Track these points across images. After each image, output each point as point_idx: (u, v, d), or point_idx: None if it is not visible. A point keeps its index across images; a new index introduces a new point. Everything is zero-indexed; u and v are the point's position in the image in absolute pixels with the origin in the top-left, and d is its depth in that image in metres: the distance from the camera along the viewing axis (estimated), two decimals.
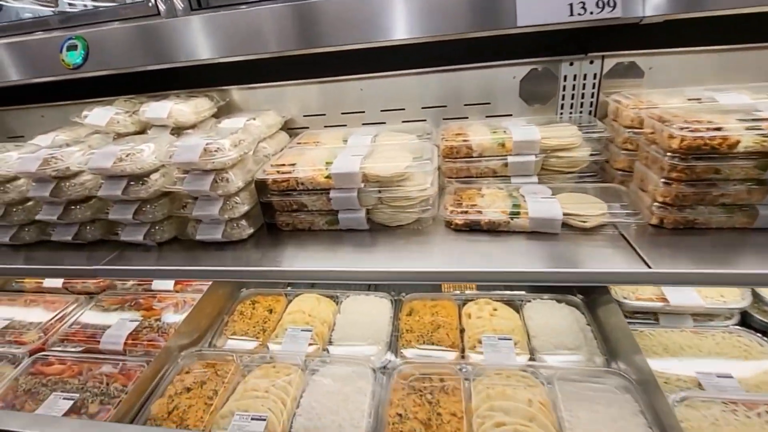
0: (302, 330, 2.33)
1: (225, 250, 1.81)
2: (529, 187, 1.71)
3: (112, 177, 1.89)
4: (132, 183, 1.84)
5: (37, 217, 1.95)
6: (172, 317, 2.45)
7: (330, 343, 2.28)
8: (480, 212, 1.64)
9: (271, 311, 2.58)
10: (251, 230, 1.95)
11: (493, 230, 1.62)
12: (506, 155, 1.79)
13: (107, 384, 2.03)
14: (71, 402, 1.93)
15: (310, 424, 1.74)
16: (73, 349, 2.30)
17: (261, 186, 1.82)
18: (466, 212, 1.67)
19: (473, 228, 1.65)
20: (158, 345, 2.23)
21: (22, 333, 2.41)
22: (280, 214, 1.88)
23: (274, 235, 1.87)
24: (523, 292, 2.53)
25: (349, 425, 1.72)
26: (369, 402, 1.82)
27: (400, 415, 1.75)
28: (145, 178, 1.90)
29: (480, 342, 2.14)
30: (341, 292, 2.68)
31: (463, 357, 2.10)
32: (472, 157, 1.83)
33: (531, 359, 2.05)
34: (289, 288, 2.80)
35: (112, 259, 1.96)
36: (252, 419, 1.73)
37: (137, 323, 2.35)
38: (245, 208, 1.88)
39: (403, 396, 1.83)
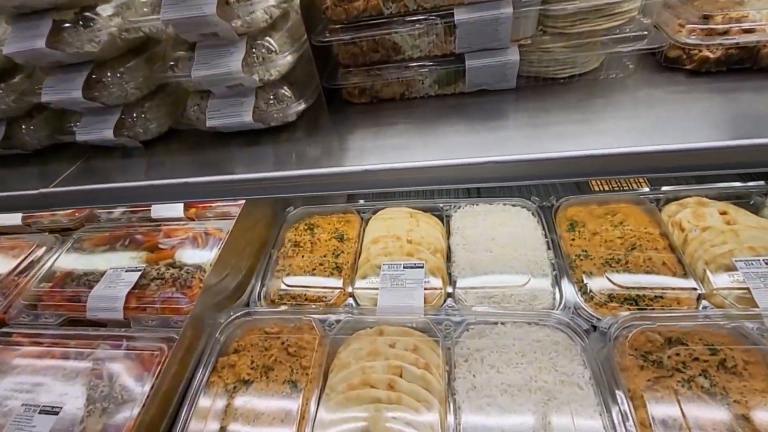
0: (407, 266, 1.43)
1: (259, 144, 1.09)
2: None
3: (22, 17, 1.04)
4: (64, 26, 1.03)
5: None
6: (192, 258, 1.55)
7: (454, 284, 1.40)
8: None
9: (341, 238, 1.66)
10: (301, 105, 1.11)
11: None
12: None
13: (110, 381, 1.21)
14: (54, 417, 1.12)
15: None
16: (49, 320, 1.45)
17: (311, 13, 1.01)
18: (725, 33, 0.89)
19: (735, 66, 0.89)
20: (180, 307, 1.36)
21: None
22: (348, 72, 1.08)
23: (340, 113, 1.12)
24: (746, 183, 1.55)
25: None
26: (592, 399, 0.97)
27: (664, 422, 0.91)
28: (88, 14, 1.06)
29: (725, 269, 1.23)
30: (445, 202, 1.72)
31: (700, 298, 1.21)
32: None
33: None
34: (361, 202, 1.84)
35: (72, 175, 1.19)
36: None
37: (139, 273, 1.45)
38: (286, 59, 1.07)
39: (648, 383, 0.98)
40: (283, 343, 1.24)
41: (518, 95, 1.06)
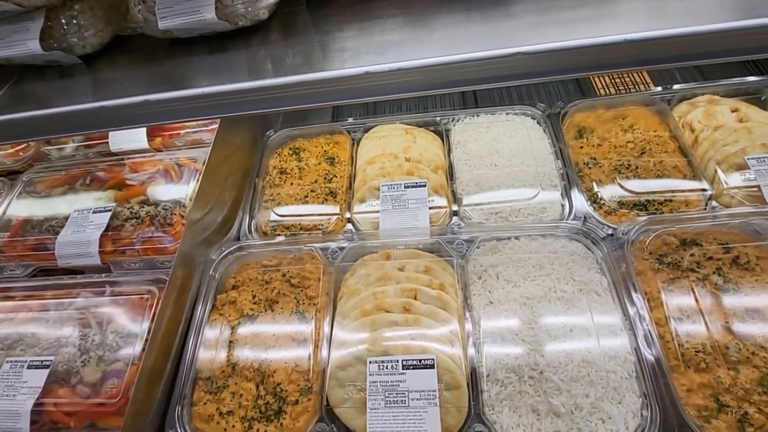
0: (408, 185, 1.33)
1: (228, 51, 0.91)
2: None
3: None
4: None
5: None
6: (167, 193, 1.39)
7: (459, 202, 1.32)
8: None
9: (332, 161, 1.51)
10: None
11: None
12: None
13: (101, 328, 1.12)
14: (46, 371, 1.05)
15: (525, 359, 0.91)
16: (16, 272, 1.30)
17: None
18: None
19: None
20: (164, 247, 1.24)
21: None
22: None
23: (320, 8, 0.95)
24: (758, 77, 1.46)
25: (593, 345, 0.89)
26: (610, 304, 0.97)
27: (679, 319, 0.91)
28: None
29: (737, 168, 1.20)
30: (442, 115, 1.57)
31: (710, 199, 1.18)
32: None
33: None
34: (350, 120, 1.66)
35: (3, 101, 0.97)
36: (412, 365, 0.89)
37: (109, 213, 1.29)
38: None
39: (664, 284, 0.97)
40: (284, 275, 1.17)
41: None
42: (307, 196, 1.43)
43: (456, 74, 0.77)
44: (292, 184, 1.47)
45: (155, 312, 1.09)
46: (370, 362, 0.92)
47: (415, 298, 1.02)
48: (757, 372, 0.85)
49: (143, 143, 1.48)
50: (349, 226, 1.34)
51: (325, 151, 1.55)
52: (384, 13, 0.92)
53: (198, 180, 1.35)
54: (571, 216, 1.22)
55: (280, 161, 1.55)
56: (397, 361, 0.91)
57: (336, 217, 1.35)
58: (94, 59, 1.02)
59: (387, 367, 0.90)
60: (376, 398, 0.88)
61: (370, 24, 0.90)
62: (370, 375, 0.91)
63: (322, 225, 1.35)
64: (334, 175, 1.47)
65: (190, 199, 1.32)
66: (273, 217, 1.38)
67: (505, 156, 1.38)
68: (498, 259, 1.07)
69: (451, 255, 1.10)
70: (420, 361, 0.90)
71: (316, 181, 1.46)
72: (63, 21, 0.98)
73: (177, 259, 1.08)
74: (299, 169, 1.51)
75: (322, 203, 1.40)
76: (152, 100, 0.85)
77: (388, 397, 0.87)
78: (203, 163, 1.36)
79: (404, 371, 0.89)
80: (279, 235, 1.34)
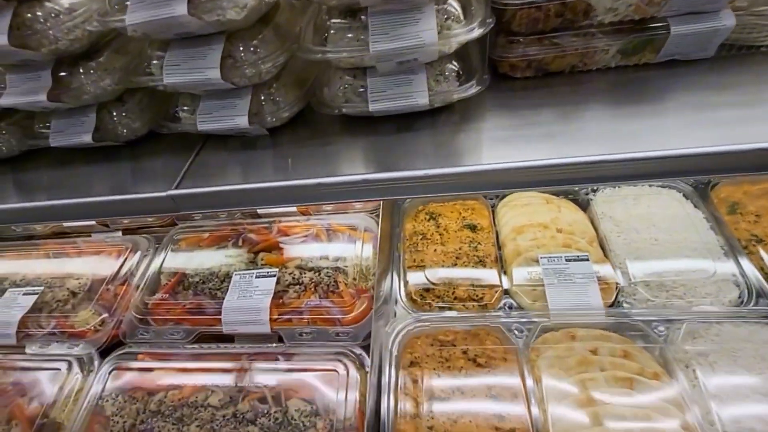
0: (569, 259, 1.31)
1: (412, 129, 0.94)
2: None
3: None
4: None
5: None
6: (323, 258, 1.38)
7: (626, 277, 1.28)
8: None
9: (474, 228, 1.52)
10: (472, 89, 0.94)
11: None
12: None
13: (279, 405, 1.07)
14: None
15: None
16: (175, 336, 1.29)
17: None
18: None
19: None
20: (334, 318, 1.22)
21: (68, 315, 1.35)
22: (512, 42, 0.96)
23: (498, 90, 0.97)
24: None
25: None
26: None
27: None
28: None
29: None
30: (581, 186, 1.58)
31: None
32: None
33: None
34: None
35: (192, 172, 1.00)
36: None
37: (274, 279, 1.29)
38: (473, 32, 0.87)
39: None
40: (464, 353, 1.13)
41: (713, 66, 0.94)
42: (455, 264, 1.42)
43: (601, 170, 0.75)
44: (435, 249, 1.46)
45: (346, 390, 1.05)
46: None
47: (630, 388, 0.97)
48: None
49: (292, 207, 1.51)
50: (507, 297, 1.32)
51: (463, 216, 1.56)
52: (571, 99, 0.93)
53: (372, 248, 1.36)
54: (753, 297, 1.18)
55: (415, 224, 1.56)
56: None
57: (495, 287, 1.33)
58: (278, 130, 1.06)
59: None
60: None
61: (569, 109, 0.91)
62: None
63: (477, 295, 1.33)
64: (479, 243, 1.47)
65: (371, 270, 1.32)
66: (423, 283, 1.36)
67: (664, 229, 1.36)
68: (708, 348, 1.02)
69: (650, 341, 1.06)
70: None
71: (460, 248, 1.46)
72: (262, 98, 1.04)
73: (374, 343, 1.06)
74: (439, 234, 1.52)
75: (473, 271, 1.39)
76: (325, 182, 0.86)
77: None
78: (363, 230, 1.37)
79: None
80: (430, 301, 1.31)
